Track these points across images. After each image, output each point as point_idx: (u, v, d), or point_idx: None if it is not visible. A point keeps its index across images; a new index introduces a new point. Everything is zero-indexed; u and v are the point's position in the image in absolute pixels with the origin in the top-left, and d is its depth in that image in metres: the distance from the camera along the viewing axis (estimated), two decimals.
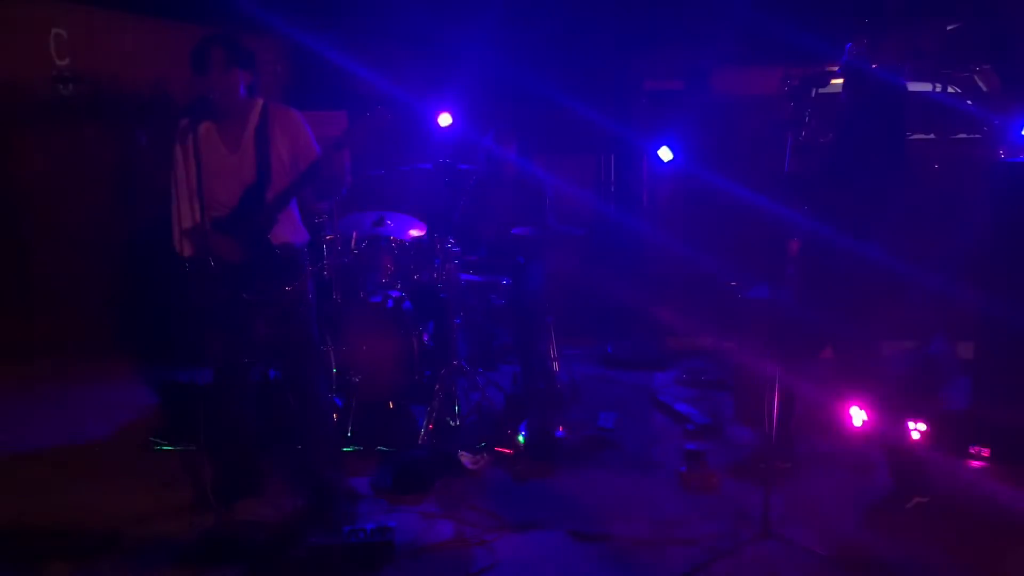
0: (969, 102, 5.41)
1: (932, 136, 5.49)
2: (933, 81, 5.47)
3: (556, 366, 5.20)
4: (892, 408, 3.62)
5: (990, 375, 4.20)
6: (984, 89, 5.51)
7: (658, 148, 6.46)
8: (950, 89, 5.45)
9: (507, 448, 4.33)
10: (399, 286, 4.95)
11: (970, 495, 3.76)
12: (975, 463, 4.09)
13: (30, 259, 6.59)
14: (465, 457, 4.18)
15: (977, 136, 5.51)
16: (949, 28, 5.49)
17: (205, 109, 3.26)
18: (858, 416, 4.28)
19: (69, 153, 6.37)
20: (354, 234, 4.95)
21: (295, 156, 3.39)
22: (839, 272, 3.47)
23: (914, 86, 5.36)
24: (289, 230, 3.49)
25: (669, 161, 6.43)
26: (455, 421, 4.51)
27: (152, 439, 4.50)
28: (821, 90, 3.75)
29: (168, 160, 3.40)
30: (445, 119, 5.95)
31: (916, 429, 4.16)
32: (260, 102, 3.41)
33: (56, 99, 6.31)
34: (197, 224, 3.25)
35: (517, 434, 4.35)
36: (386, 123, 3.37)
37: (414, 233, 5.17)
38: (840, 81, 3.64)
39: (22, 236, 6.55)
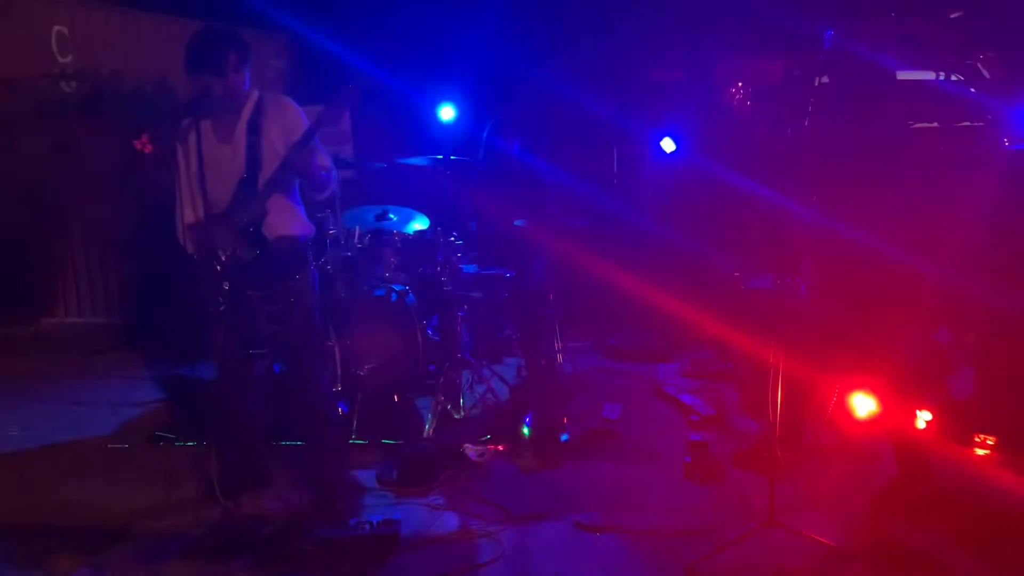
0: (973, 90, 5.38)
1: (935, 124, 5.47)
2: (936, 69, 5.44)
3: (560, 358, 5.21)
4: (898, 397, 3.61)
5: (995, 364, 4.19)
6: (988, 77, 5.48)
7: (661, 139, 6.44)
8: (953, 77, 5.42)
9: (512, 440, 4.34)
10: (403, 280, 4.96)
11: (976, 484, 3.76)
12: (981, 451, 4.08)
13: (34, 256, 6.62)
14: (470, 449, 4.19)
15: (981, 124, 5.48)
16: (953, 15, 5.47)
17: (207, 106, 3.27)
18: (863, 405, 4.28)
19: (72, 150, 6.39)
20: (357, 228, 4.96)
21: (289, 146, 3.34)
22: (843, 261, 3.46)
23: (917, 74, 5.34)
24: (287, 222, 3.44)
25: (672, 152, 6.42)
26: (460, 414, 4.52)
27: (158, 434, 4.52)
28: (824, 79, 3.73)
29: (171, 157, 3.41)
30: (447, 112, 5.95)
31: (922, 418, 4.15)
32: (255, 94, 3.41)
33: (59, 96, 6.32)
34: (199, 219, 3.27)
35: (522, 426, 4.35)
36: (357, 101, 3.35)
37: (417, 227, 5.17)
38: None
39: (26, 233, 6.57)
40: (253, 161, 3.32)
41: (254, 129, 3.33)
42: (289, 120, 3.38)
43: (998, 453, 4.03)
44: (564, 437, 4.27)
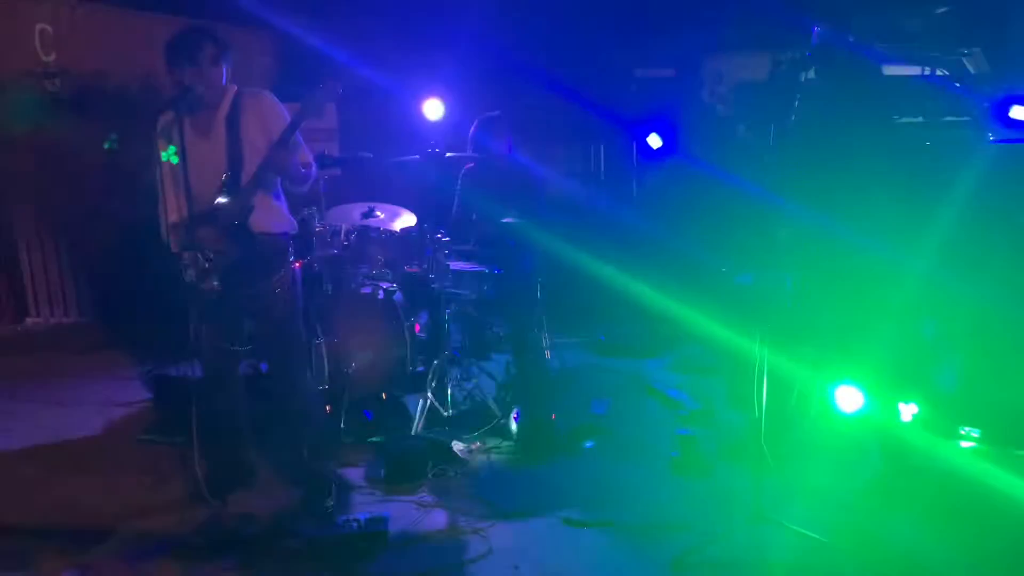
0: (957, 85, 5.40)
1: (920, 119, 5.50)
2: (922, 65, 5.46)
3: (548, 354, 5.20)
4: (884, 390, 3.62)
5: (981, 356, 4.21)
6: (972, 72, 5.50)
7: (647, 135, 6.45)
8: (938, 72, 5.44)
9: (500, 437, 4.34)
10: (390, 277, 4.94)
11: (961, 476, 3.78)
12: (966, 444, 4.10)
13: (18, 254, 6.57)
14: (458, 446, 4.19)
15: (966, 119, 5.51)
16: (939, 11, 5.48)
17: (188, 102, 3.26)
18: (849, 398, 4.30)
19: (56, 149, 6.34)
20: (343, 226, 4.94)
21: (269, 140, 3.34)
22: (828, 255, 3.48)
23: (902, 70, 5.35)
24: (270, 219, 3.44)
25: (658, 148, 6.42)
26: (448, 411, 4.51)
27: (144, 434, 4.49)
28: (810, 75, 3.74)
29: (154, 155, 3.39)
30: (435, 109, 5.92)
31: (908, 411, 4.17)
32: (234, 89, 3.40)
33: (42, 95, 6.27)
34: (183, 217, 3.26)
35: (510, 423, 4.35)
36: (339, 94, 3.34)
37: (404, 224, 5.16)
38: None
39: (11, 232, 6.53)
40: (234, 156, 3.31)
41: (232, 124, 3.32)
42: (268, 114, 3.37)
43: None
44: (552, 424, 4.26)
